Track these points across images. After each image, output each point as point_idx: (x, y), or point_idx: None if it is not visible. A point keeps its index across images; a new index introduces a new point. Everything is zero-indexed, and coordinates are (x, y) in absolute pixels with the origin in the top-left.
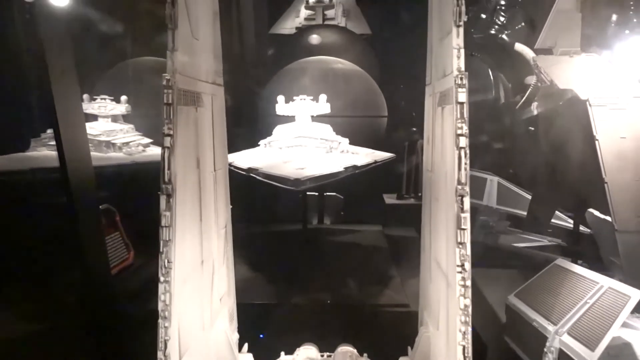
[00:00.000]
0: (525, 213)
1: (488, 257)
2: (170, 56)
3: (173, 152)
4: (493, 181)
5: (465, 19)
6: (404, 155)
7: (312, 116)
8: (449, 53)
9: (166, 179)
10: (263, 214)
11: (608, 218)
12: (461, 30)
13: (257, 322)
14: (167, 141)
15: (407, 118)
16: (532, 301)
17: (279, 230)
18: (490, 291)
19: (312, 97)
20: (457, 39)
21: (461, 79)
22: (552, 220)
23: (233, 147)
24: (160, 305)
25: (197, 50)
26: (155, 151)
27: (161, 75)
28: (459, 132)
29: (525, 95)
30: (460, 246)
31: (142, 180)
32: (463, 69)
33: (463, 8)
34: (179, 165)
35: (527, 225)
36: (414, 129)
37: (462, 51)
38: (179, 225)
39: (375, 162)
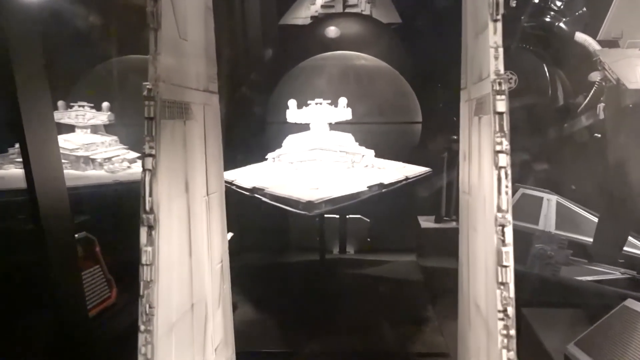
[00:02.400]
0: (590, 239)
1: (546, 293)
2: (152, 61)
3: (156, 175)
4: (551, 201)
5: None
6: (443, 169)
7: (330, 124)
8: (485, 52)
9: (147, 208)
10: (272, 240)
11: None
12: (499, 25)
13: None
14: (149, 162)
15: (447, 124)
16: (596, 352)
17: (292, 261)
18: (548, 336)
19: (329, 101)
20: (494, 36)
21: (500, 84)
22: (625, 248)
23: (235, 162)
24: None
25: (185, 53)
26: None
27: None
28: (498, 148)
29: (589, 96)
30: (502, 287)
31: (127, 203)
32: (502, 71)
33: None
34: (163, 191)
35: (593, 254)
36: (455, 137)
37: (501, 50)
38: (163, 262)
39: (407, 178)
